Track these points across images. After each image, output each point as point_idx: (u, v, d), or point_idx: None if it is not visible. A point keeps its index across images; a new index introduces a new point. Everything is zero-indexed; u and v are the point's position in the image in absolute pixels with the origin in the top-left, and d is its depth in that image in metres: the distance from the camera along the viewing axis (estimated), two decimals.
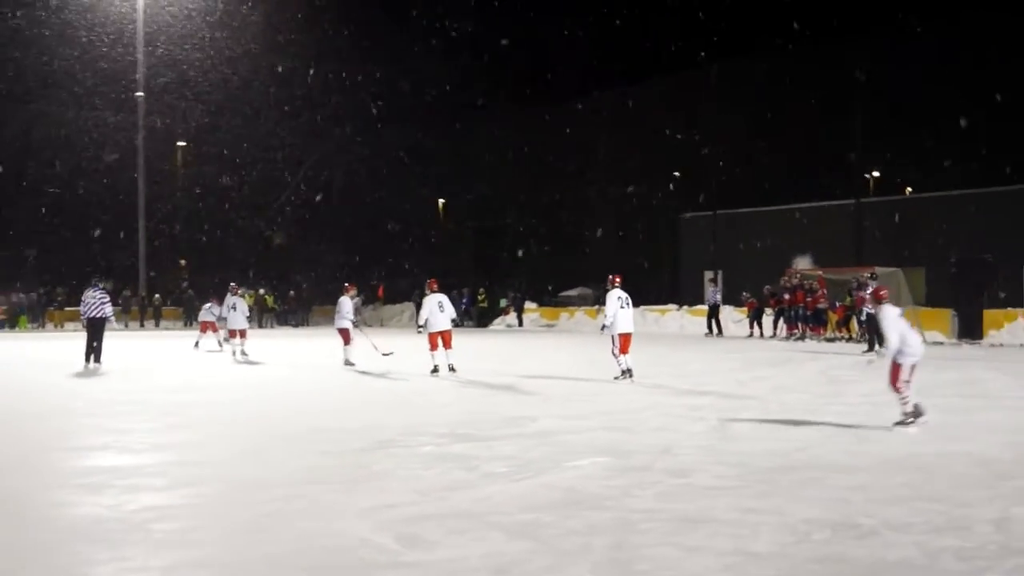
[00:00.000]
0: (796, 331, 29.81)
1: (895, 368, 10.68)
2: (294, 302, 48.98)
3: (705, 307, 34.81)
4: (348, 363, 19.74)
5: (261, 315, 45.12)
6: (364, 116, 57.89)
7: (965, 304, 28.51)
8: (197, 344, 26.12)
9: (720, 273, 39.53)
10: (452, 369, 17.67)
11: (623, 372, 16.37)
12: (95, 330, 19.28)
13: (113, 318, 20.08)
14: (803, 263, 35.03)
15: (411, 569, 5.49)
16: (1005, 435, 10.35)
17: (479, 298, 46.48)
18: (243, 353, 22.38)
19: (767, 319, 31.59)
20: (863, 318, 23.95)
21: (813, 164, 45.43)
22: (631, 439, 10.16)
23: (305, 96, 56.43)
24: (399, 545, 5.98)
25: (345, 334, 20.10)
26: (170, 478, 8.03)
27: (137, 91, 47.55)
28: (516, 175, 57.56)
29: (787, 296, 30.15)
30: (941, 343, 27.28)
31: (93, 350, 19.27)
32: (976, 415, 12.07)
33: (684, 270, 47.28)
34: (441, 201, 65.84)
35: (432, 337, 17.74)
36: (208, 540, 6.06)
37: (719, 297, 33.53)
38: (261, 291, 46.65)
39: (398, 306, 50.41)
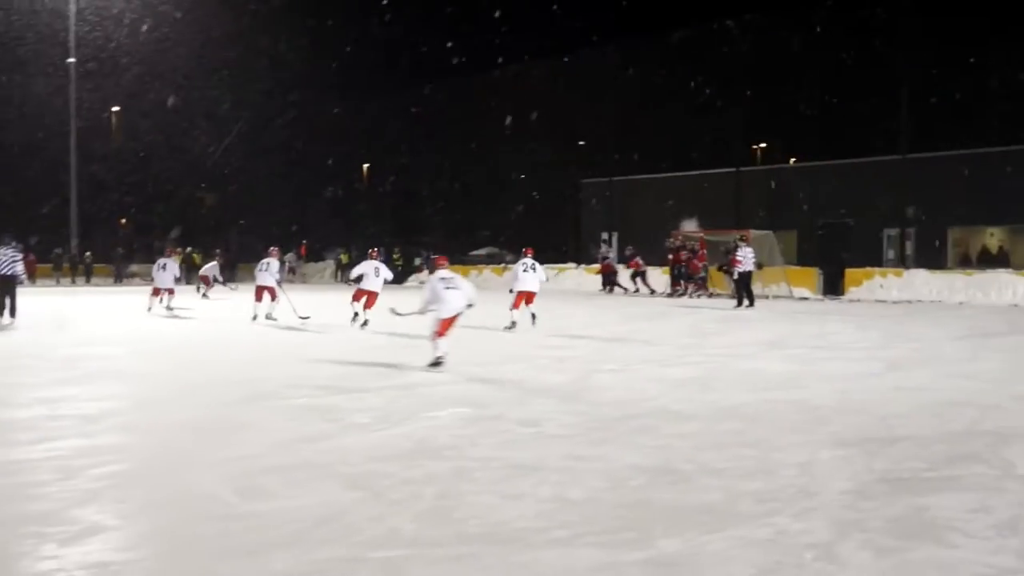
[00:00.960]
0: (679, 288, 29.96)
1: (435, 322, 11.77)
2: (222, 261, 48.02)
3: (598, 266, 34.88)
4: (261, 317, 19.38)
5: (189, 273, 44.22)
6: (293, 83, 56.94)
7: (828, 263, 29.03)
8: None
9: (616, 235, 39.67)
10: (364, 324, 17.68)
11: (512, 324, 16.95)
12: (6, 287, 18.62)
13: (24, 276, 19.38)
14: (689, 226, 35.29)
15: (240, 520, 5.25)
16: (836, 383, 10.37)
17: (395, 257, 46.10)
18: (168, 308, 21.95)
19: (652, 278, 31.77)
20: (736, 277, 24.06)
21: (704, 135, 45.64)
22: (494, 390, 10.02)
23: (236, 62, 55.25)
24: (237, 497, 5.74)
25: (266, 291, 19.55)
26: (38, 433, 7.65)
27: (68, 57, 46.22)
28: (434, 142, 57.12)
29: (670, 256, 30.31)
30: (807, 298, 27.69)
31: (4, 306, 18.64)
32: (817, 365, 12.13)
33: (584, 231, 47.42)
34: (366, 166, 64.95)
35: (359, 292, 18.01)
36: (50, 495, 5.76)
37: (612, 256, 33.61)
38: (188, 249, 45.64)
39: (320, 264, 49.94)
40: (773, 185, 38.91)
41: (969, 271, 28.30)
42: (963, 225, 35.46)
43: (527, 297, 17.19)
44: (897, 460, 6.68)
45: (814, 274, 29.42)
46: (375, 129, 58.31)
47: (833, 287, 28.60)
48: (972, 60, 36.27)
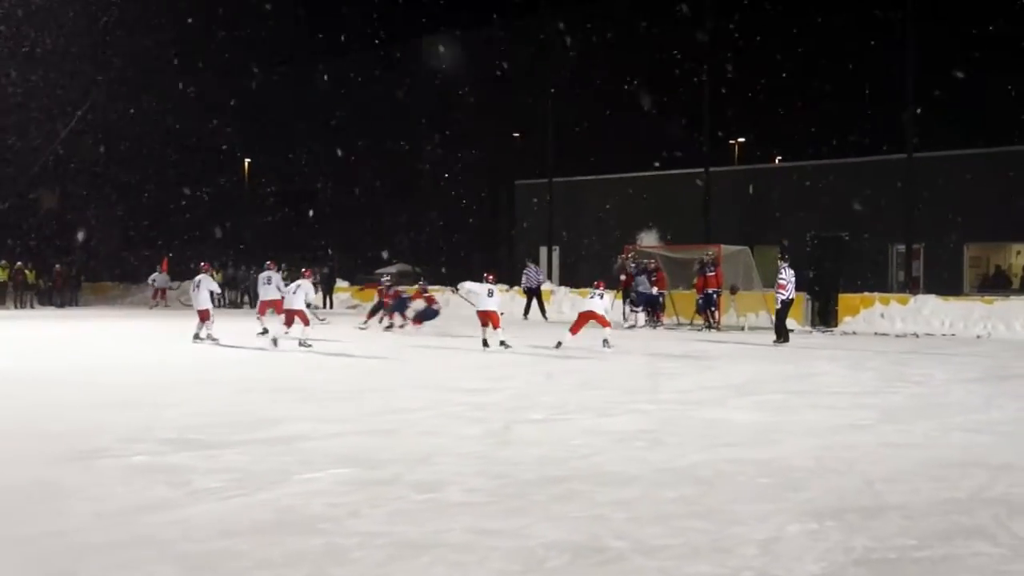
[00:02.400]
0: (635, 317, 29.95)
1: None
2: (61, 278, 47.04)
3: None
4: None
5: (18, 293, 43.52)
6: (154, 60, 56.34)
7: (818, 287, 29.13)
8: None
9: (557, 250, 39.77)
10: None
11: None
12: None
13: None
14: (648, 239, 35.33)
15: None
16: (816, 439, 10.43)
17: (282, 275, 45.67)
18: (210, 337, 22.46)
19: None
20: (778, 306, 23.91)
21: (667, 126, 45.93)
22: (390, 445, 9.94)
23: (83, 37, 54.60)
24: None
25: (296, 315, 21.05)
26: None
27: None
28: (330, 134, 56.74)
29: (623, 277, 30.27)
30: (791, 330, 27.77)
31: None
32: (794, 415, 12.20)
33: (520, 243, 47.17)
34: (247, 161, 64.37)
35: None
36: None
37: (542, 278, 33.37)
38: (19, 264, 44.83)
39: (188, 282, 49.38)
40: (751, 189, 39.19)
41: (990, 298, 28.60)
42: (983, 241, 35.89)
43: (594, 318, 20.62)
44: (882, 536, 6.70)
45: (800, 300, 29.56)
46: (257, 116, 57.84)
47: (824, 317, 28.82)
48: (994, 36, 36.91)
